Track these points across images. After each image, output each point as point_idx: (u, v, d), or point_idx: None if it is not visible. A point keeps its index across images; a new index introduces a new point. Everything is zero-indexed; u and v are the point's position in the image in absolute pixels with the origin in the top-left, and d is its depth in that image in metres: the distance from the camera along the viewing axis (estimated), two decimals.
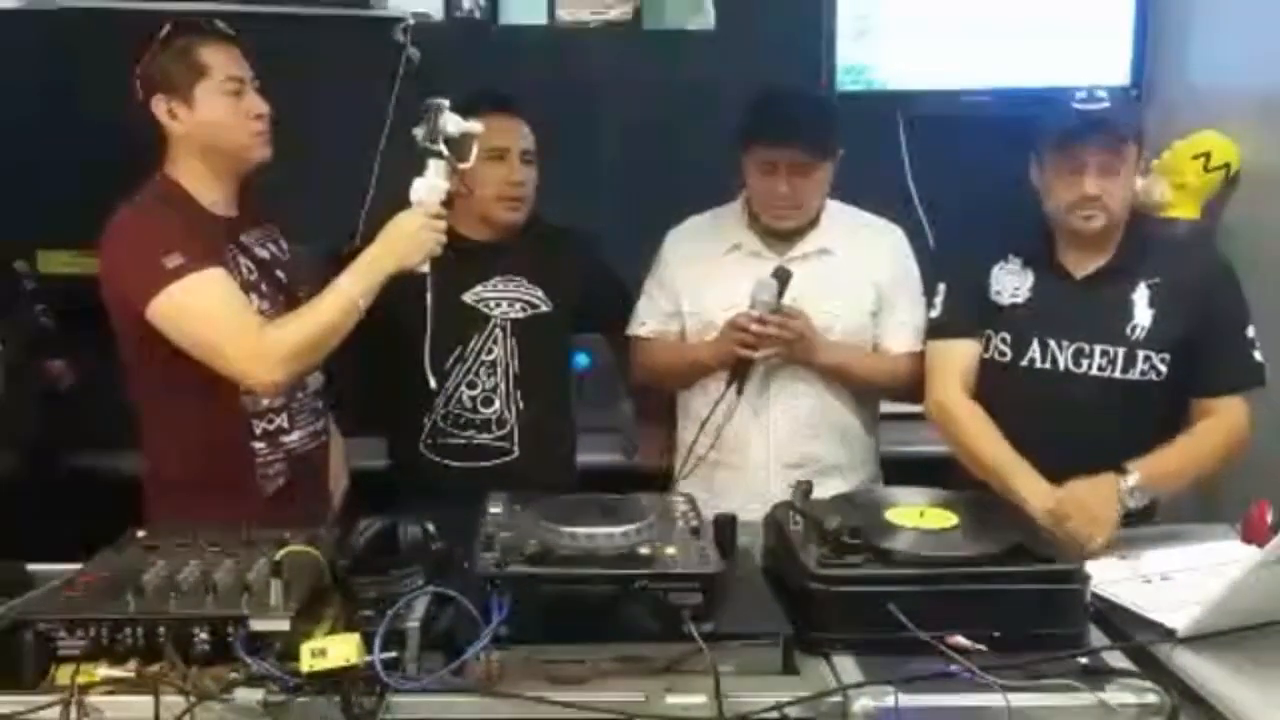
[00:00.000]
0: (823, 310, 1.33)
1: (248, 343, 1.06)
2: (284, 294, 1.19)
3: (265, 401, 1.16)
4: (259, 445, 1.16)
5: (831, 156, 1.31)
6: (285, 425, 1.18)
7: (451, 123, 1.09)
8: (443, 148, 1.09)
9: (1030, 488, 1.13)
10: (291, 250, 1.25)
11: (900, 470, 1.43)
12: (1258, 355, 1.18)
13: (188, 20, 1.16)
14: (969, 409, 1.22)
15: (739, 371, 1.28)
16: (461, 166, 1.11)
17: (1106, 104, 1.16)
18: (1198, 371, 1.17)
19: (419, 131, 1.09)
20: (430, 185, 1.10)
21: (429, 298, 1.13)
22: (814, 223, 1.35)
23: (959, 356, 1.24)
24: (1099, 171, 1.15)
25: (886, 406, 1.45)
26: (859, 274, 1.34)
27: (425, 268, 1.10)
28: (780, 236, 1.32)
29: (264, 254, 1.19)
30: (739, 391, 1.28)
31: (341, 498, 1.35)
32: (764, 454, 1.32)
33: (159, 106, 1.12)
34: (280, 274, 1.20)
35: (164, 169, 1.15)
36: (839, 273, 1.34)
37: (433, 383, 1.20)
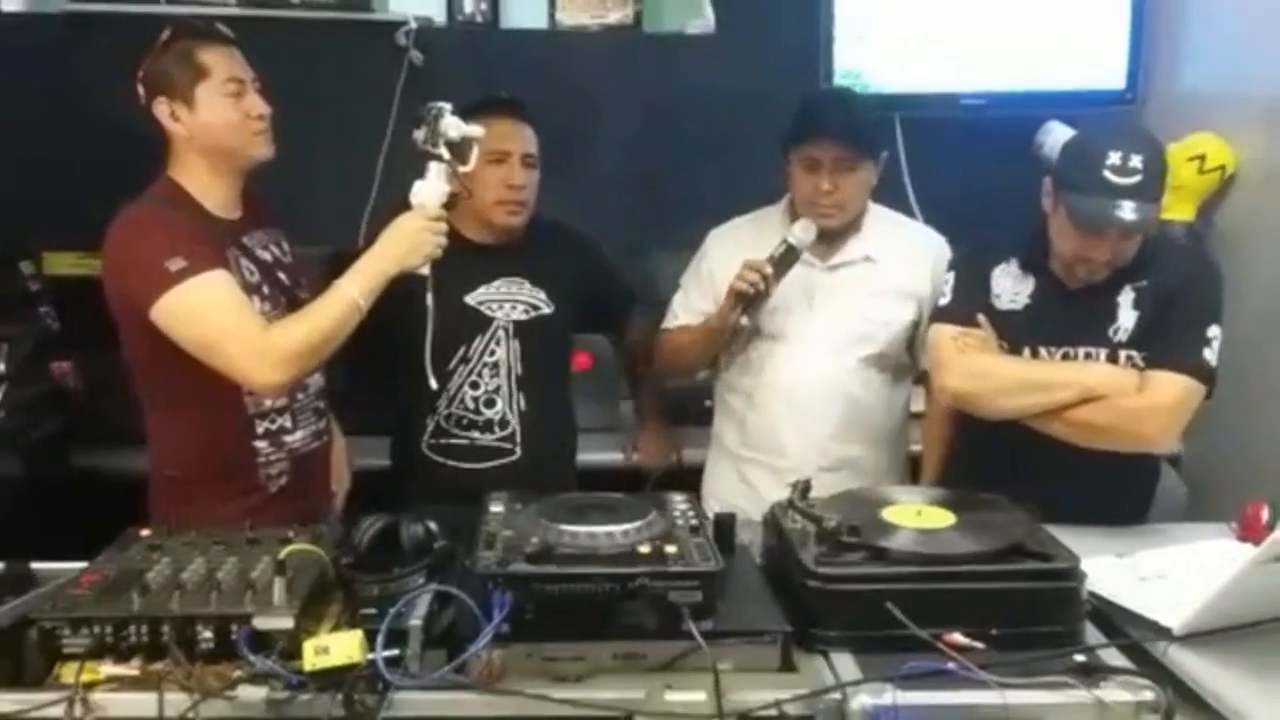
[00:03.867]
0: (866, 317, 1.33)
1: (250, 344, 1.07)
2: (286, 296, 1.19)
3: (268, 402, 1.17)
4: (262, 445, 1.17)
5: (874, 156, 1.31)
6: (288, 425, 1.19)
7: (453, 126, 1.09)
8: (443, 151, 1.10)
9: (1092, 370, 1.12)
10: (294, 253, 1.26)
11: None
12: (1208, 354, 1.11)
13: (188, 23, 1.16)
14: (982, 364, 1.16)
15: (746, 304, 1.26)
16: (462, 170, 1.12)
17: (1139, 177, 1.07)
18: (1148, 346, 1.14)
19: (419, 134, 1.10)
20: (431, 188, 1.11)
21: (429, 299, 1.13)
22: (857, 229, 1.35)
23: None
24: (1119, 239, 1.12)
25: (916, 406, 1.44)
26: (902, 284, 1.34)
27: (426, 270, 1.11)
28: (823, 239, 1.31)
29: (266, 256, 1.20)
30: (751, 319, 1.26)
31: (344, 497, 1.35)
32: (800, 456, 1.32)
33: (161, 109, 1.13)
34: (283, 276, 1.21)
35: (167, 171, 1.16)
36: (882, 281, 1.34)
37: (434, 384, 1.21)
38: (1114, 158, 1.10)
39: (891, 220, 1.39)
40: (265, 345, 1.07)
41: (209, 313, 1.07)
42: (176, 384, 1.13)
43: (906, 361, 1.38)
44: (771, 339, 1.34)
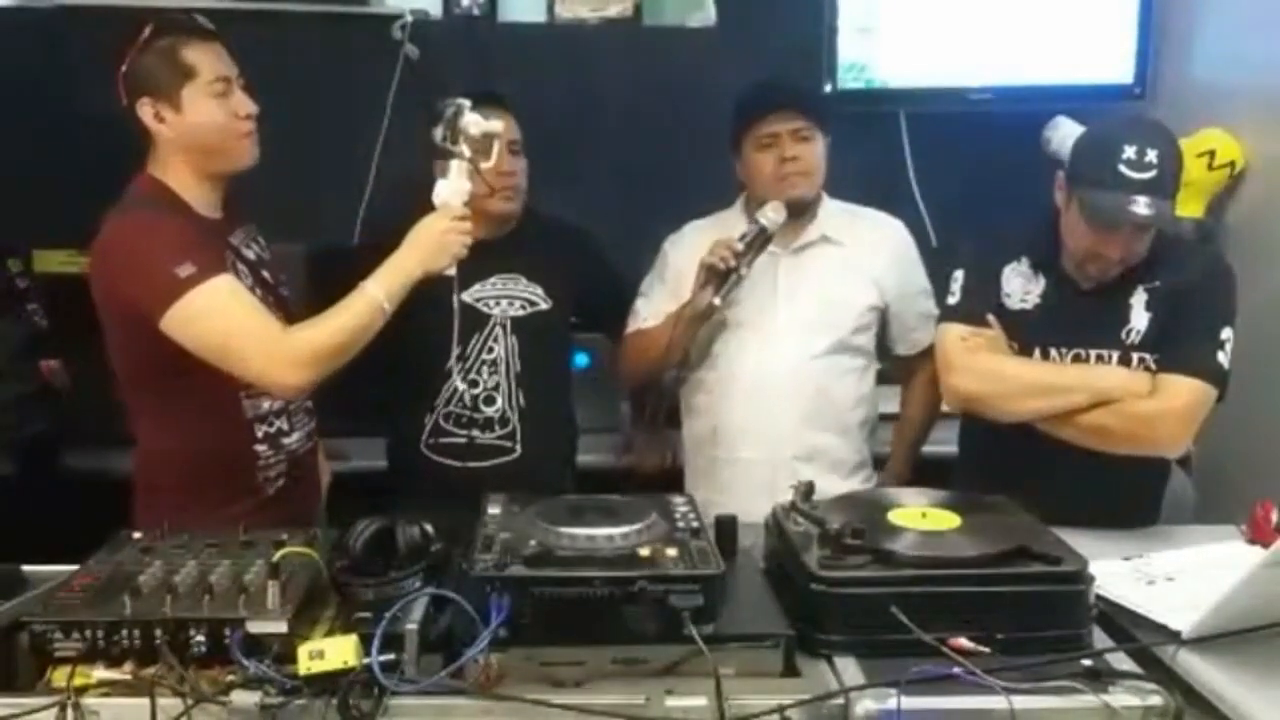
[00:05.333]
0: (830, 299, 1.33)
1: (270, 345, 1.05)
2: (272, 295, 1.18)
3: (265, 405, 1.16)
4: (262, 448, 1.17)
5: (825, 128, 1.32)
6: (285, 428, 1.19)
7: (473, 123, 1.09)
8: (464, 149, 1.09)
9: (1113, 373, 1.11)
10: (270, 249, 1.25)
11: None
12: (1221, 357, 1.10)
13: (170, 20, 1.13)
14: (992, 365, 1.14)
15: (719, 283, 1.25)
16: (484, 166, 1.12)
17: (1155, 172, 1.05)
18: (1161, 349, 1.13)
19: (438, 132, 1.09)
20: (454, 187, 1.10)
21: (455, 300, 1.14)
22: (813, 215, 1.36)
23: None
24: (1133, 234, 1.10)
25: (886, 407, 1.44)
26: (863, 266, 1.36)
27: (452, 270, 1.11)
28: (784, 223, 1.30)
29: (251, 255, 1.19)
30: (724, 302, 1.24)
31: (325, 493, 1.35)
32: (772, 446, 1.32)
33: (145, 110, 1.10)
34: (266, 274, 1.20)
35: (149, 171, 1.13)
36: (844, 262, 1.35)
37: (460, 384, 1.23)
38: (1129, 152, 1.07)
39: (846, 208, 1.40)
40: (285, 346, 1.06)
41: (225, 317, 1.05)
42: (174, 391, 1.11)
43: (872, 350, 1.38)
44: (737, 328, 1.34)
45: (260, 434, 1.16)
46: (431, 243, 1.09)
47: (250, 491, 1.15)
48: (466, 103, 1.09)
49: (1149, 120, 1.25)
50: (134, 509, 1.15)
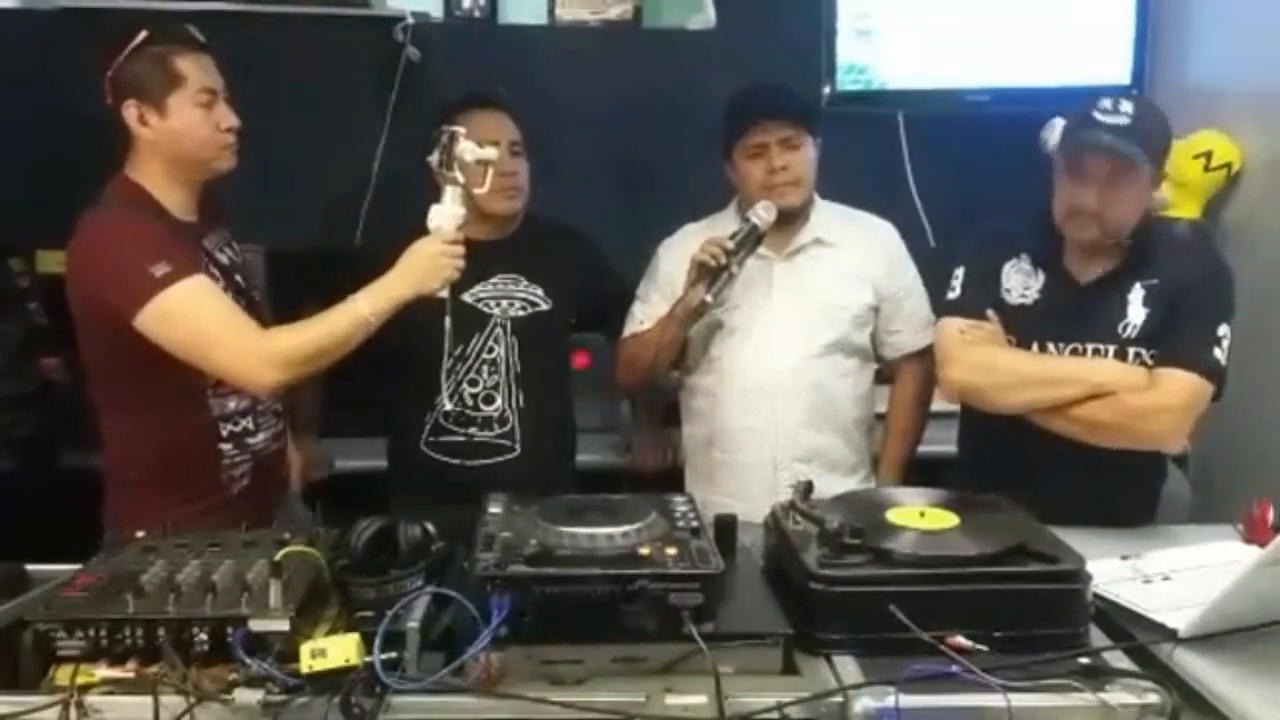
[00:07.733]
0: (825, 301, 1.34)
1: (246, 344, 1.07)
2: (244, 299, 1.19)
3: (232, 404, 1.17)
4: (226, 447, 1.18)
5: (814, 133, 1.33)
6: (250, 428, 1.20)
7: (468, 151, 1.12)
8: (458, 175, 1.11)
9: (1108, 367, 1.12)
10: (242, 251, 1.26)
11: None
12: (1218, 353, 1.11)
13: (164, 29, 1.15)
14: (990, 358, 1.15)
15: (708, 279, 1.25)
16: (477, 192, 1.14)
17: (1126, 120, 1.09)
18: (1158, 345, 1.14)
19: (434, 159, 1.12)
20: (447, 213, 1.12)
21: (447, 322, 1.15)
22: (806, 218, 1.36)
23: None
24: (1102, 185, 1.11)
25: (883, 408, 1.45)
26: (855, 266, 1.36)
27: (444, 293, 1.13)
28: (776, 229, 1.32)
29: (224, 259, 1.21)
30: (715, 300, 1.24)
31: (298, 475, 1.36)
32: (772, 448, 1.32)
33: (130, 112, 1.12)
34: (239, 279, 1.21)
35: (125, 171, 1.15)
36: (837, 264, 1.36)
37: (448, 405, 1.25)
38: (1105, 103, 1.12)
39: (839, 210, 1.40)
40: (261, 346, 1.08)
41: (201, 315, 1.07)
42: (142, 389, 1.13)
43: (869, 349, 1.38)
44: (734, 333, 1.34)
45: (225, 433, 1.17)
46: (423, 266, 1.11)
47: (213, 490, 1.16)
48: (461, 130, 1.12)
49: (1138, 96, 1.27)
50: (105, 506, 1.16)
